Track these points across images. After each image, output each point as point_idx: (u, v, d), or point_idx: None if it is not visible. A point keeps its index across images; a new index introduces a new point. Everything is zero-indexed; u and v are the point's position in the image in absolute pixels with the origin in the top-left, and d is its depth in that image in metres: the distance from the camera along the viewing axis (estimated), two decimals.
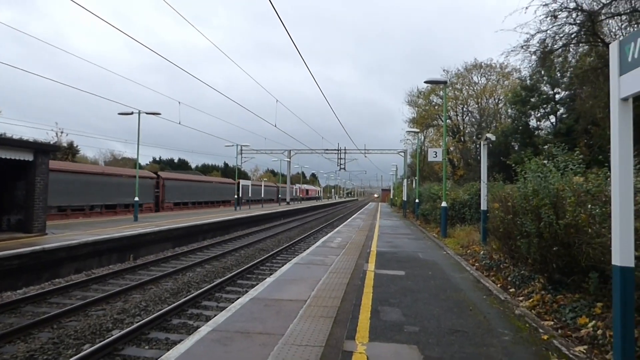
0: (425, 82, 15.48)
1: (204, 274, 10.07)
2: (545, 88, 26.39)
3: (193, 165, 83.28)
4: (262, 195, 39.11)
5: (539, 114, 27.23)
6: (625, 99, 3.08)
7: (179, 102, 20.88)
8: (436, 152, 15.55)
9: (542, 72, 24.12)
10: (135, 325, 5.84)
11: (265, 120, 24.95)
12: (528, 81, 26.80)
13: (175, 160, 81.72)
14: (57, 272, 9.55)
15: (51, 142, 28.70)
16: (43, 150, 12.12)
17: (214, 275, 9.91)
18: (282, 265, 8.63)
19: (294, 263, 8.20)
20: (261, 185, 42.28)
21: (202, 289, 7.99)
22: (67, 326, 6.15)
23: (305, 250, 11.01)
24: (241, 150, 39.82)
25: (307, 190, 77.93)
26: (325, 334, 4.08)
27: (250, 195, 33.44)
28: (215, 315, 5.07)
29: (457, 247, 10.96)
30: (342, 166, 47.25)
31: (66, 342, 5.52)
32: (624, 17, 15.92)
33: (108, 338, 5.44)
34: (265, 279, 7.03)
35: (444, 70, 35.32)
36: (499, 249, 7.30)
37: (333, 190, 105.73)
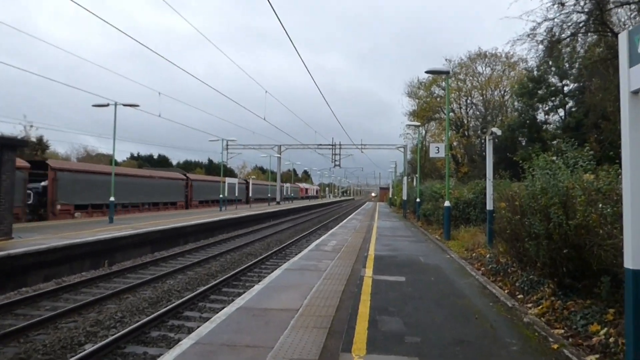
0: (427, 72, 15.53)
1: (186, 281, 10.04)
2: (553, 79, 26.72)
3: (174, 162, 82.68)
4: (250, 195, 39.17)
5: (547, 107, 27.56)
6: (635, 92, 3.11)
7: (159, 93, 20.76)
8: (438, 148, 15.64)
9: (550, 63, 24.42)
10: (110, 338, 5.79)
11: (253, 112, 24.84)
12: (535, 72, 27.10)
13: (155, 157, 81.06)
14: (24, 281, 9.40)
15: (19, 137, 28.18)
16: (9, 145, 11.89)
17: (197, 283, 9.89)
18: (272, 271, 8.67)
19: (284, 269, 8.24)
20: (248, 183, 42.53)
21: (184, 298, 7.96)
22: (35, 340, 6.07)
23: (296, 254, 11.03)
24: (227, 145, 39.45)
25: (306, 189, 78.73)
26: (319, 346, 4.08)
27: (237, 194, 33.52)
28: (198, 327, 5.03)
29: (461, 250, 11.05)
30: (337, 162, 47.30)
31: (34, 357, 5.44)
32: (633, 6, 16.17)
33: (80, 353, 5.37)
34: (253, 286, 7.03)
35: (446, 60, 35.62)
36: (506, 252, 7.37)
37: (327, 188, 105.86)
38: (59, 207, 19.68)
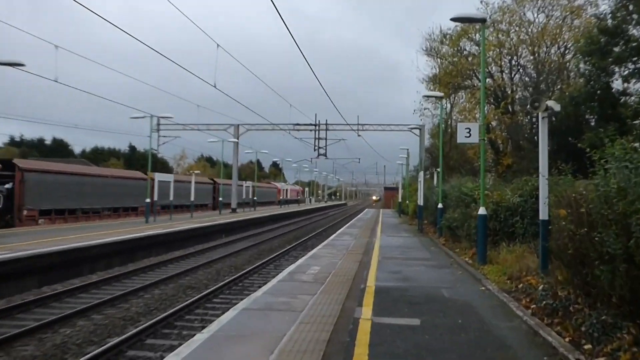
0: (453, 19, 15.54)
1: (90, 329, 10.00)
2: (635, 32, 27.31)
3: (78, 149, 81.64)
4: (193, 198, 38.77)
5: (625, 71, 28.09)
6: None
7: (56, 47, 20.20)
8: (470, 129, 15.74)
9: (630, 8, 24.91)
10: None
11: (198, 77, 24.40)
12: (609, 21, 27.64)
13: (48, 142, 79.85)
14: None
15: None
16: None
17: (108, 332, 9.87)
18: (223, 313, 8.72)
19: (241, 309, 8.32)
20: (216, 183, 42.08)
21: (87, 356, 7.88)
22: None
23: (260, 287, 11.12)
24: (158, 124, 39.09)
25: (285, 191, 78.69)
26: None
27: (171, 198, 33.21)
28: None
29: (502, 280, 11.21)
30: (321, 149, 47.36)
31: None
32: None
33: None
34: (194, 335, 7.03)
35: (481, 2, 35.74)
36: (568, 282, 7.45)
37: (307, 189, 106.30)
38: (25, 212, 24.45)
